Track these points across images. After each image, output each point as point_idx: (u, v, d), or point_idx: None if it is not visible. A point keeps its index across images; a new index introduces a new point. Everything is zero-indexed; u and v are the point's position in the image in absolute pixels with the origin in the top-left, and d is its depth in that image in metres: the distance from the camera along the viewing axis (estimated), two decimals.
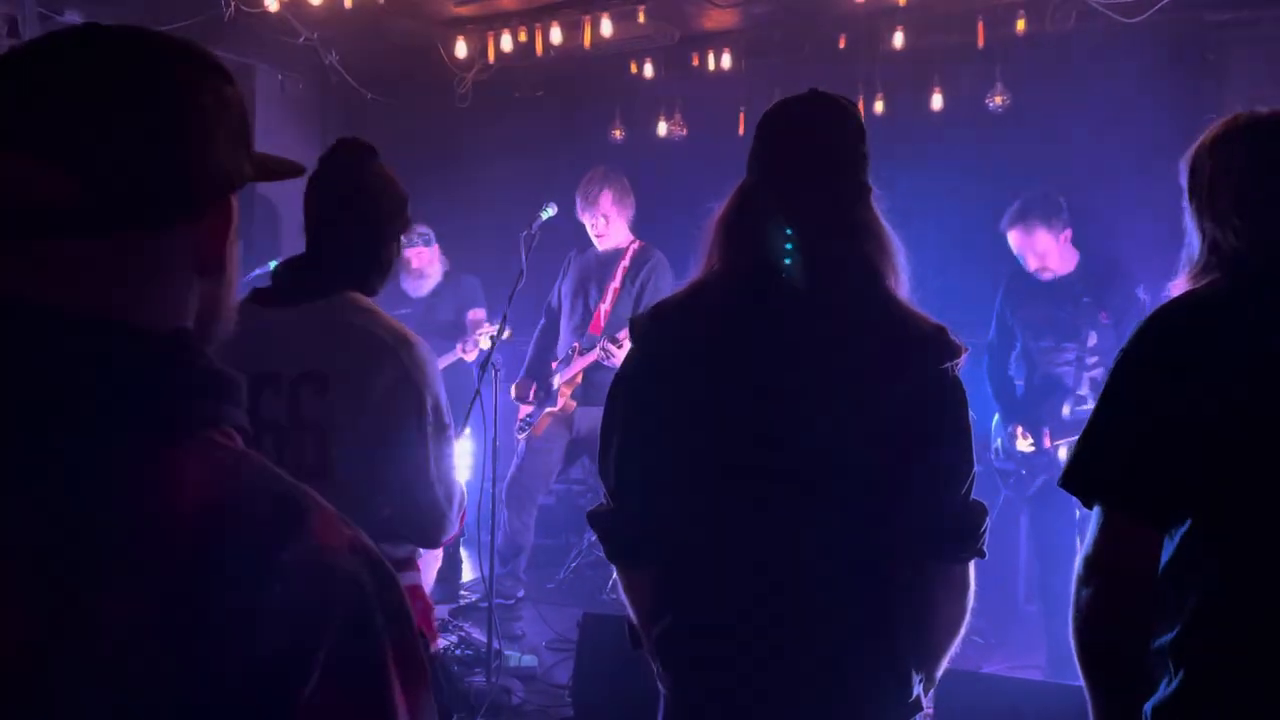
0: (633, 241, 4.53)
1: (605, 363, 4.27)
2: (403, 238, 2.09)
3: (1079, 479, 1.43)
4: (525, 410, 4.61)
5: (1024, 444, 3.83)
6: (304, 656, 0.67)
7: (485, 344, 4.51)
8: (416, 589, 1.99)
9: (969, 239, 4.46)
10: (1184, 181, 1.54)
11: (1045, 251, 3.73)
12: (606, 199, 4.40)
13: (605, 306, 4.46)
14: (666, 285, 4.35)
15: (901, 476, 1.48)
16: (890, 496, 1.49)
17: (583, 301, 4.55)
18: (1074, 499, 4.11)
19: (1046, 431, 3.79)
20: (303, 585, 0.68)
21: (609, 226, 4.46)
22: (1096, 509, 1.41)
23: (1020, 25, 4.64)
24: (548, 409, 4.53)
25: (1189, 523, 1.38)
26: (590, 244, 4.60)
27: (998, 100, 4.80)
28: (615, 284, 4.46)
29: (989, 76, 4.80)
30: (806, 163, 1.57)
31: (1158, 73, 4.52)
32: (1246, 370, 1.35)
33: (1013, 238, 3.80)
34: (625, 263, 4.48)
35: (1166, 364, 1.39)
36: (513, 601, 4.48)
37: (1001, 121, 4.82)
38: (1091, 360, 3.73)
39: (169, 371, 0.72)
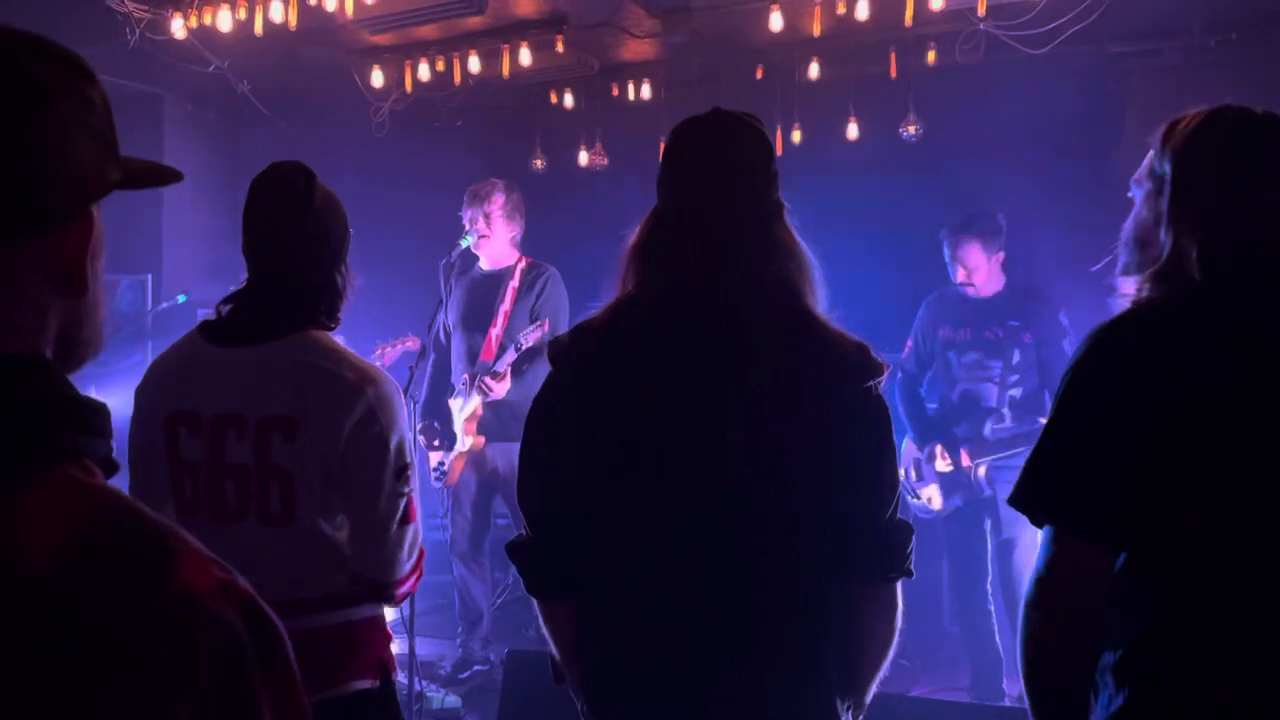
0: (520, 259, 4.29)
1: (487, 398, 4.04)
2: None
3: (1029, 498, 1.39)
4: (436, 457, 4.31)
5: (942, 464, 3.85)
6: (170, 705, 0.61)
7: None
8: (376, 620, 1.95)
9: (885, 266, 4.51)
10: (1161, 168, 1.43)
11: (975, 267, 3.79)
12: (498, 200, 4.17)
13: (496, 331, 4.18)
14: (562, 297, 4.22)
15: (827, 498, 1.46)
16: (816, 519, 1.46)
17: (471, 325, 4.26)
18: (985, 521, 4.13)
19: (965, 451, 3.81)
20: (166, 632, 0.62)
21: (491, 228, 4.17)
22: (1046, 529, 1.37)
23: (931, 56, 4.75)
24: (458, 451, 4.22)
25: (1134, 546, 1.35)
26: (471, 265, 4.32)
27: (911, 129, 4.90)
28: (506, 306, 4.19)
29: (902, 106, 4.90)
30: (716, 183, 1.55)
31: (1064, 102, 4.66)
32: (1203, 391, 1.31)
33: (948, 246, 3.85)
34: (515, 282, 4.23)
35: (1122, 381, 1.33)
36: (488, 667, 4.24)
37: (916, 150, 4.92)
38: (1013, 379, 3.79)
39: (18, 400, 0.66)
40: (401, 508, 1.89)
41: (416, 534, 1.97)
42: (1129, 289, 1.47)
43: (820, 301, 1.53)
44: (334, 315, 1.93)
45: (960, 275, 3.82)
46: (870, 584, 1.52)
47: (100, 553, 0.64)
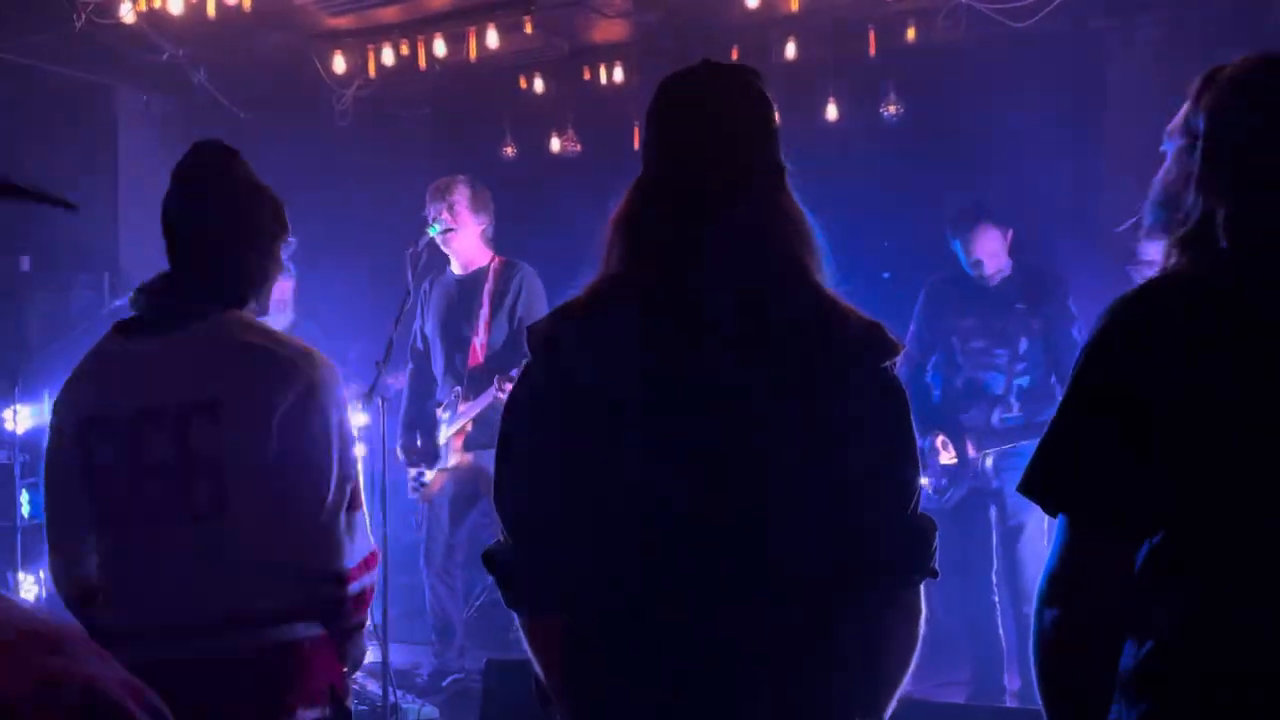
0: (493, 258, 4.14)
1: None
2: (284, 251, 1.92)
3: (1041, 483, 1.26)
4: (415, 469, 4.17)
5: (946, 456, 3.72)
6: None
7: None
8: (323, 640, 1.78)
9: (867, 249, 4.40)
10: (1195, 121, 1.29)
11: (995, 252, 3.69)
12: (461, 192, 4.00)
13: (480, 339, 4.06)
14: (539, 294, 4.10)
15: (844, 493, 1.31)
16: (832, 518, 1.32)
17: (453, 336, 4.13)
18: (990, 508, 4.01)
19: (970, 442, 3.70)
20: None
21: (457, 220, 3.97)
22: (1060, 519, 1.25)
23: (911, 34, 4.63)
24: (440, 467, 4.10)
25: (1159, 537, 1.23)
26: (444, 271, 4.19)
27: (891, 109, 4.79)
28: (485, 311, 4.07)
29: (883, 86, 4.78)
30: (709, 146, 1.39)
31: (1046, 77, 4.57)
32: (1233, 368, 1.20)
33: (961, 240, 3.73)
34: (490, 285, 4.09)
35: (1143, 356, 1.22)
36: (463, 675, 4.10)
37: (898, 130, 4.80)
38: (1020, 367, 3.67)
39: None
40: (349, 492, 1.77)
41: (365, 523, 1.84)
42: (1154, 254, 1.36)
43: (827, 278, 1.38)
44: (254, 304, 1.83)
45: (990, 267, 3.69)
46: (892, 588, 1.38)
47: None
